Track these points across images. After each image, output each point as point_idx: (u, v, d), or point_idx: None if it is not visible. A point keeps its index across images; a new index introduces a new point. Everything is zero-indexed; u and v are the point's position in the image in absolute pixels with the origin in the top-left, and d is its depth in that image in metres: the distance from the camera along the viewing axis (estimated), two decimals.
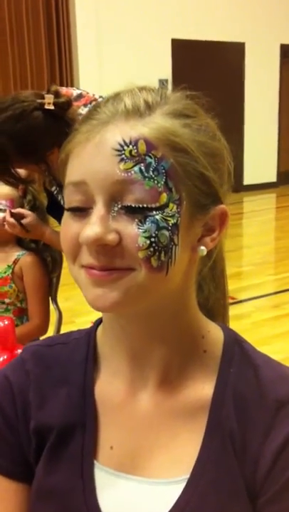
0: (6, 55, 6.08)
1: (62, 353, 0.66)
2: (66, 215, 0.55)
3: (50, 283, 1.79)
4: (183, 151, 0.53)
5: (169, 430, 0.59)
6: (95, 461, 0.60)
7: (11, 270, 1.70)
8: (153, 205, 0.51)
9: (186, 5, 7.08)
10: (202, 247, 0.57)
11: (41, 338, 1.77)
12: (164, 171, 0.52)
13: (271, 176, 8.56)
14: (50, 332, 1.80)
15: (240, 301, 3.59)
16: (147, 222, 0.51)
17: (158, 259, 0.52)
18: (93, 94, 1.49)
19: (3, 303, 1.71)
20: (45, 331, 1.74)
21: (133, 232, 0.51)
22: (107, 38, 6.54)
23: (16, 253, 1.73)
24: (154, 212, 0.52)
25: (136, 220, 0.51)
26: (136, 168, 0.51)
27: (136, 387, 0.61)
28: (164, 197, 0.52)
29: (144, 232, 0.51)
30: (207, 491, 0.55)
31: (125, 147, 0.51)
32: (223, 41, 7.57)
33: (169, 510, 0.55)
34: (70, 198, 0.54)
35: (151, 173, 0.51)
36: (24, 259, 1.71)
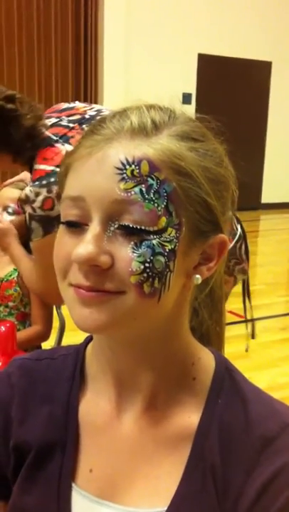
0: (32, 66, 6.15)
1: (50, 368, 0.64)
2: (61, 229, 0.53)
3: None
4: (187, 176, 0.51)
5: (151, 458, 0.57)
6: (73, 484, 0.58)
7: (16, 273, 1.69)
8: (151, 229, 0.50)
9: (214, 21, 7.13)
10: (197, 276, 0.55)
11: (42, 344, 1.76)
12: (165, 194, 0.50)
13: None
14: (52, 339, 1.79)
15: (248, 320, 3.54)
16: (143, 247, 0.49)
17: (151, 286, 0.50)
18: (85, 110, 1.42)
19: (7, 306, 1.71)
20: (46, 337, 1.73)
21: (127, 256, 0.49)
22: (133, 50, 6.59)
23: None
24: (152, 236, 0.50)
25: (131, 242, 0.50)
26: (136, 189, 0.49)
27: (121, 409, 0.60)
28: (164, 221, 0.50)
29: (138, 256, 0.49)
30: None
31: (127, 166, 0.49)
32: (250, 59, 7.59)
33: None
34: (66, 212, 0.53)
35: (151, 195, 0.50)
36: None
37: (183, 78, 7.14)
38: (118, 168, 0.49)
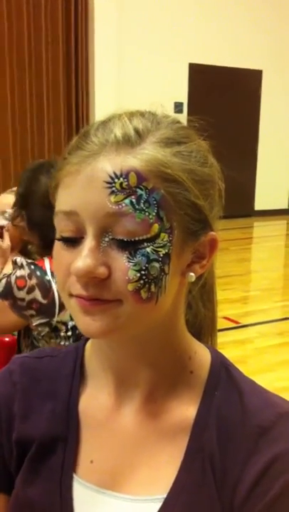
0: (23, 71, 6.17)
1: (50, 365, 0.66)
2: (57, 244, 0.55)
3: None
4: (174, 182, 0.53)
5: (151, 449, 0.59)
6: (75, 475, 0.60)
7: None
8: (144, 237, 0.51)
9: (204, 30, 7.19)
10: (191, 274, 0.57)
11: None
12: (155, 202, 0.51)
13: (283, 203, 8.57)
14: None
15: (245, 326, 3.54)
16: (138, 256, 0.51)
17: (148, 291, 0.52)
18: None
19: None
20: None
21: (123, 266, 0.51)
22: (125, 59, 6.64)
23: None
24: (145, 243, 0.51)
25: (126, 252, 0.51)
26: (127, 201, 0.50)
27: (121, 403, 0.61)
28: (156, 227, 0.52)
29: (134, 265, 0.51)
30: None
31: (116, 180, 0.51)
32: (241, 68, 7.66)
33: None
34: (61, 227, 0.54)
35: (142, 205, 0.51)
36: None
37: (174, 87, 7.18)
38: (107, 182, 0.51)
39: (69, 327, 1.29)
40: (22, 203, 1.39)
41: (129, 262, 0.51)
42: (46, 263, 1.32)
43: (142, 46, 6.75)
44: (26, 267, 1.30)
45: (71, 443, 0.61)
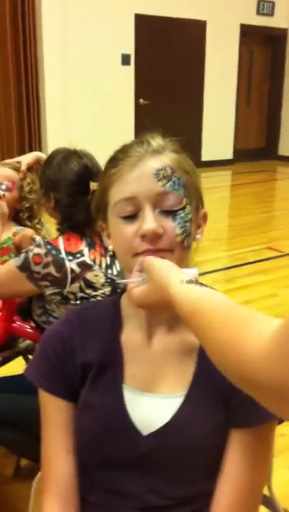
0: None
1: (95, 313, 0.93)
2: (117, 222, 0.82)
3: None
4: (188, 173, 0.84)
5: (172, 364, 0.86)
6: (123, 385, 0.87)
7: (11, 241, 1.85)
8: (179, 207, 0.82)
9: None
10: (198, 236, 0.87)
11: None
12: (182, 184, 0.82)
13: (228, 153, 8.84)
14: None
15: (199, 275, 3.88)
16: (177, 219, 0.81)
17: (187, 241, 0.82)
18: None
19: None
20: None
21: (172, 225, 0.81)
22: (71, 14, 6.55)
23: (15, 227, 1.89)
24: (180, 212, 0.81)
25: (169, 217, 0.81)
26: (168, 184, 0.81)
27: (150, 336, 0.88)
28: (184, 201, 0.82)
29: (178, 224, 0.81)
30: (198, 403, 0.83)
31: (160, 172, 0.81)
32: (185, 18, 7.66)
33: (173, 415, 0.83)
34: (122, 209, 0.82)
35: (176, 186, 0.81)
36: (24, 232, 1.87)
37: (121, 39, 7.13)
38: (155, 174, 0.81)
39: (78, 297, 1.47)
40: (52, 186, 1.53)
41: (173, 223, 0.80)
42: (60, 242, 1.49)
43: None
44: (43, 246, 1.46)
45: (118, 364, 0.87)
